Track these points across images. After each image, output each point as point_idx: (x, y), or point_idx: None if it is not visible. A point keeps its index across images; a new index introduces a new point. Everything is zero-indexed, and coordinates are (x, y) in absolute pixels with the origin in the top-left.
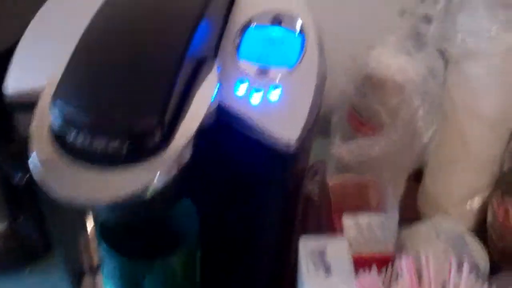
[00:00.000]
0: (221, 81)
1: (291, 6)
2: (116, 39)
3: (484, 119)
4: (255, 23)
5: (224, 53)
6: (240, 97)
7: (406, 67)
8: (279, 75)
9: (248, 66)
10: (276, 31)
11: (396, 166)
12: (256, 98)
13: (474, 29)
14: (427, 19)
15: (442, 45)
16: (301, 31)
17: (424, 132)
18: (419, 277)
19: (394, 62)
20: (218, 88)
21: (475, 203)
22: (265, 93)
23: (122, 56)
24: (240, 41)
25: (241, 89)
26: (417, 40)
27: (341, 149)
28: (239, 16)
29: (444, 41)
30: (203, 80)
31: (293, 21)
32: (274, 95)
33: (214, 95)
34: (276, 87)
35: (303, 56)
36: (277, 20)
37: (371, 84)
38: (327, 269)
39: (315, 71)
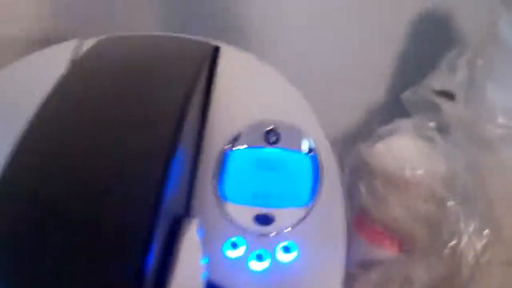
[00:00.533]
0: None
1: (288, 113)
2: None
3: None
4: (241, 145)
5: (201, 196)
6: (236, 264)
7: (434, 159)
8: (290, 223)
9: (239, 213)
10: (273, 154)
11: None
12: (260, 266)
13: None
14: (447, 95)
15: (471, 126)
16: (311, 149)
17: (471, 250)
18: None
19: (416, 154)
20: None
21: None
22: (273, 257)
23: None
24: (222, 174)
25: (235, 253)
26: (439, 121)
27: None
28: (217, 134)
29: (474, 122)
30: (181, 254)
31: (296, 136)
32: (288, 258)
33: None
34: (288, 248)
35: (320, 187)
36: (272, 137)
37: (391, 185)
38: None
39: (340, 208)
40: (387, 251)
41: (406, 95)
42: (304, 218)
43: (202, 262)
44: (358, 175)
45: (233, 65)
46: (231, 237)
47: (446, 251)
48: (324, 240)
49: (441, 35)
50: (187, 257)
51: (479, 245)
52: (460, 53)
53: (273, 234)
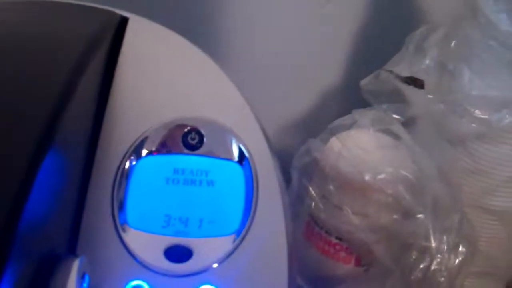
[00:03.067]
0: None
1: (214, 107)
2: None
3: (499, 214)
4: (149, 151)
5: (93, 222)
6: None
7: (399, 160)
8: (214, 258)
9: (144, 245)
10: (192, 163)
11: None
12: None
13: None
14: (414, 82)
15: (443, 120)
16: (243, 156)
17: (444, 272)
18: None
19: (377, 153)
20: None
21: None
22: None
23: None
24: (123, 192)
25: None
26: (404, 114)
27: None
28: (116, 137)
29: (446, 115)
30: None
31: (224, 138)
32: None
33: None
34: None
35: (255, 208)
36: (192, 140)
37: (346, 190)
38: None
39: (281, 237)
40: (342, 265)
41: (366, 82)
42: (233, 251)
43: None
44: (308, 176)
45: (143, 43)
46: (132, 279)
47: (416, 273)
48: (261, 282)
49: (405, 9)
50: None
51: (453, 265)
52: (429, 32)
53: (190, 274)
